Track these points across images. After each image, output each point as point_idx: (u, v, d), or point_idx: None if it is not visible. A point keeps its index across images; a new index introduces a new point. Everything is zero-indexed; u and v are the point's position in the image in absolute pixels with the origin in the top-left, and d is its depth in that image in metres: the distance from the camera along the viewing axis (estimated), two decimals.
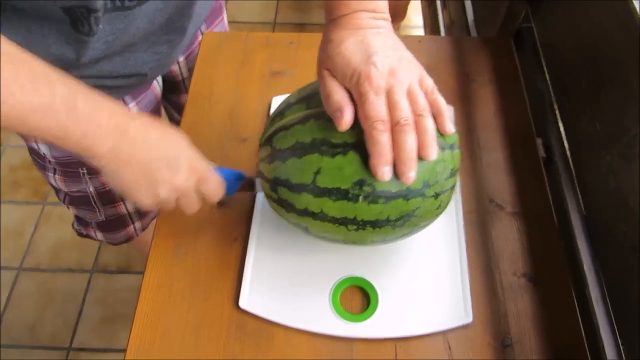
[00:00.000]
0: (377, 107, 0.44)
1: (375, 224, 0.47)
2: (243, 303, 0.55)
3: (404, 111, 0.44)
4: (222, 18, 0.85)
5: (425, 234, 0.59)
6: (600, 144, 0.56)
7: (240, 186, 0.57)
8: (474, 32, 0.96)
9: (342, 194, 0.46)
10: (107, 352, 1.31)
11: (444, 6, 1.31)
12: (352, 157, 0.45)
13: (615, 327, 0.50)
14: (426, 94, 0.46)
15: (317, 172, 0.46)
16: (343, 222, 0.47)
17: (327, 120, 0.46)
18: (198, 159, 0.51)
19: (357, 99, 0.44)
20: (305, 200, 0.47)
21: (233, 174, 0.56)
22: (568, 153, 0.63)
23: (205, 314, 0.56)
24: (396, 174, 0.44)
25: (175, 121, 0.94)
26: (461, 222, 0.60)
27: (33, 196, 1.58)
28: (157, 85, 0.75)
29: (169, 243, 0.60)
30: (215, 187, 0.52)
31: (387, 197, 0.45)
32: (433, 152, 0.45)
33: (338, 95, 0.45)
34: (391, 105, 0.44)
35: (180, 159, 0.49)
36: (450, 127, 0.47)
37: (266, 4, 2.06)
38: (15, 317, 1.36)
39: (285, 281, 0.57)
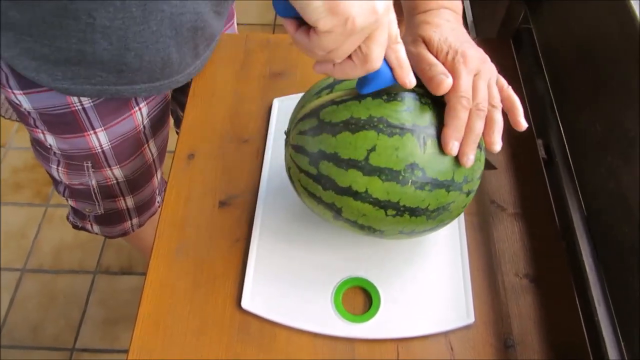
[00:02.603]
0: (468, 84, 0.47)
1: (414, 212, 0.47)
2: (245, 303, 0.55)
3: (484, 97, 0.47)
4: (233, 22, 0.86)
5: (427, 235, 0.59)
6: (600, 144, 0.56)
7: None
8: (473, 33, 0.96)
9: (393, 175, 0.45)
10: (109, 353, 1.31)
11: None
12: (409, 139, 0.46)
13: (617, 328, 0.50)
14: (501, 89, 0.50)
15: (372, 150, 0.45)
16: (384, 205, 0.47)
17: (384, 100, 0.47)
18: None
19: (449, 72, 0.47)
20: (352, 177, 0.46)
21: (388, 70, 0.45)
22: (568, 154, 0.63)
23: (207, 315, 0.56)
24: (458, 153, 0.47)
25: (181, 120, 0.95)
26: (462, 223, 0.61)
27: (35, 198, 1.58)
28: None
29: (171, 244, 0.61)
30: (381, 47, 0.41)
31: (433, 184, 0.46)
32: (498, 142, 0.48)
33: (440, 66, 0.48)
34: (474, 89, 0.47)
35: None
36: (523, 122, 0.50)
37: (266, 5, 2.06)
38: (18, 318, 1.37)
39: (287, 282, 0.57)
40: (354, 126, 0.46)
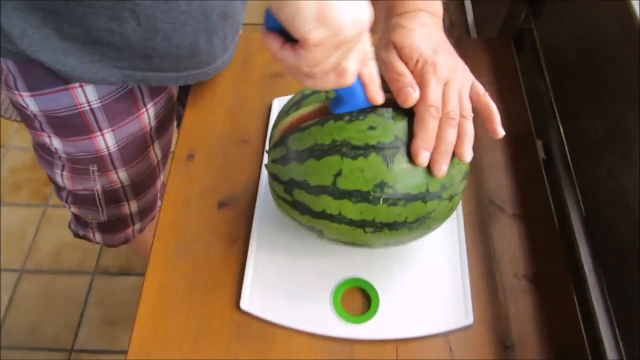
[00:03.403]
0: (436, 93, 0.46)
1: (393, 226, 0.47)
2: (244, 305, 0.55)
3: (454, 106, 0.47)
4: None
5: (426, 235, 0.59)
6: (600, 145, 0.56)
7: None
8: (474, 33, 0.96)
9: (362, 196, 0.46)
10: (108, 354, 1.31)
11: (444, 7, 1.31)
12: (374, 158, 0.45)
13: (616, 328, 0.50)
14: (477, 97, 0.50)
15: (338, 174, 0.46)
16: (361, 224, 0.47)
17: (346, 121, 0.46)
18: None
19: (417, 82, 0.47)
20: (324, 202, 0.47)
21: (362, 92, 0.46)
22: (568, 154, 0.63)
23: (206, 316, 0.56)
24: (430, 164, 0.46)
25: (181, 116, 0.94)
26: (461, 223, 0.61)
27: (34, 198, 1.58)
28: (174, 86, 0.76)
29: (170, 245, 0.61)
30: (358, 61, 0.41)
31: (406, 199, 0.46)
32: (468, 153, 0.48)
33: (408, 76, 0.47)
34: (444, 98, 0.47)
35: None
36: (500, 130, 0.49)
37: (265, 5, 2.06)
38: (17, 318, 1.36)
39: (286, 282, 0.57)
40: (318, 152, 0.46)
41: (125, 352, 0.54)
